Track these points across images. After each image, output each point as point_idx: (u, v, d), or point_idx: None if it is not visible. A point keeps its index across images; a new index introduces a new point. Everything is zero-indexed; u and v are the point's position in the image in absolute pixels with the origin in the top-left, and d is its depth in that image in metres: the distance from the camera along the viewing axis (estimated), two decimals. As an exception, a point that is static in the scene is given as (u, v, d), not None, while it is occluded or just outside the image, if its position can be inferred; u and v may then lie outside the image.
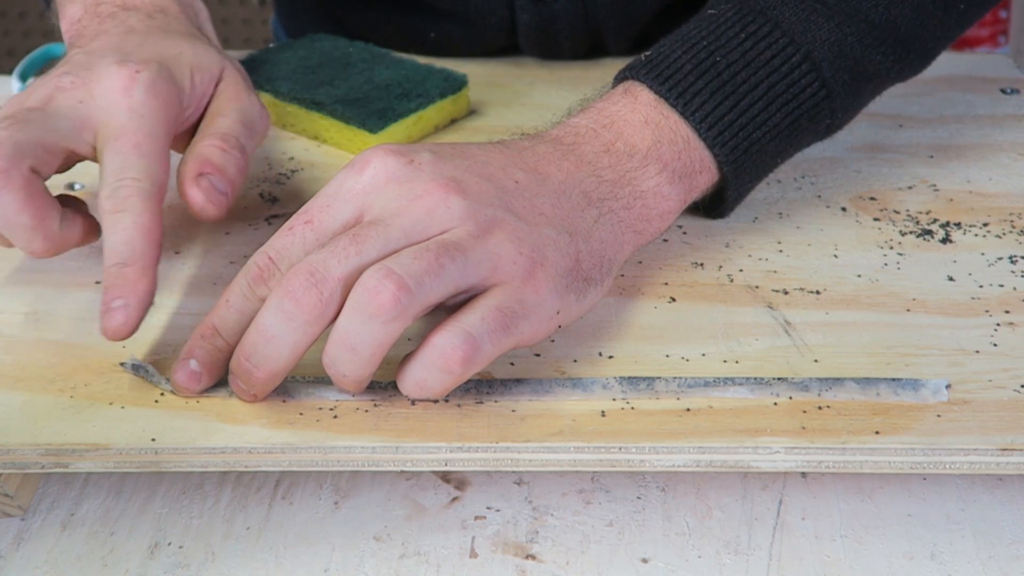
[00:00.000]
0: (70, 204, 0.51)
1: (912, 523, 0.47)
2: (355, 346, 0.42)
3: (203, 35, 0.60)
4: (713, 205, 0.57)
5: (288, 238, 0.45)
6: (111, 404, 0.46)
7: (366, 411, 0.46)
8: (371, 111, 0.64)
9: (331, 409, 0.46)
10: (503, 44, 0.77)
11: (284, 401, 0.46)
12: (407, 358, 0.44)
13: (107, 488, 0.49)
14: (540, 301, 0.45)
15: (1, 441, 0.44)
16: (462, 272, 0.43)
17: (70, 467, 0.44)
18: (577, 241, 0.47)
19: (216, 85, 0.56)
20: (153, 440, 0.44)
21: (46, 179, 0.49)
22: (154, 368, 0.47)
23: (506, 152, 0.49)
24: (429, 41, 0.77)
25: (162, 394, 0.46)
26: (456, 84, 0.68)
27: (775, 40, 0.54)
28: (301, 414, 0.45)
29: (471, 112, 0.70)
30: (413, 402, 0.46)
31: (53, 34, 0.63)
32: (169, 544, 0.46)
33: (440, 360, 0.43)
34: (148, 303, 0.47)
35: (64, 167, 0.52)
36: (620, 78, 0.55)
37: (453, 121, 0.69)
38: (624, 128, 0.52)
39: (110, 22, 0.57)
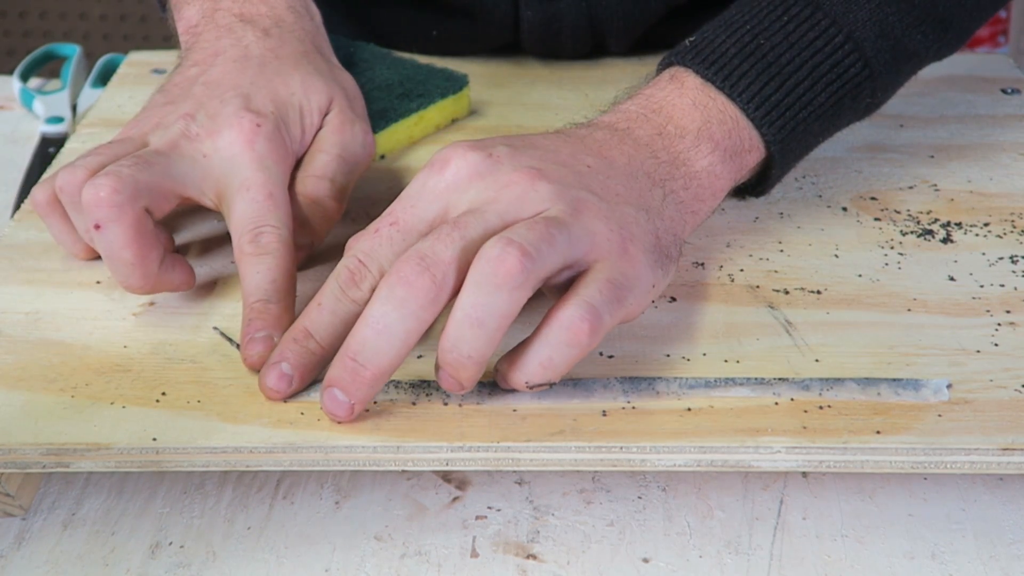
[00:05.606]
0: (172, 251, 0.53)
1: (913, 523, 0.47)
2: (482, 319, 0.42)
3: (315, 49, 0.60)
4: (754, 184, 0.58)
5: (375, 240, 0.46)
6: (112, 404, 0.46)
7: (367, 410, 0.45)
8: (372, 111, 0.64)
9: (332, 409, 0.46)
10: (505, 42, 0.77)
11: (285, 401, 0.46)
12: (521, 347, 0.44)
13: (108, 488, 0.49)
14: (638, 274, 0.46)
15: (2, 441, 0.44)
16: (568, 244, 0.44)
17: (71, 467, 0.44)
18: (653, 219, 0.48)
19: (324, 116, 0.57)
20: (154, 440, 0.44)
21: (157, 220, 0.51)
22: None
23: (569, 140, 0.50)
24: (431, 39, 0.77)
25: (164, 393, 0.46)
26: (457, 84, 0.68)
27: (817, 21, 0.55)
28: (302, 414, 0.45)
29: (472, 112, 0.70)
30: (414, 402, 0.46)
31: (54, 34, 0.64)
32: (170, 544, 0.46)
33: (567, 334, 0.43)
34: None
35: (176, 210, 0.53)
36: (664, 64, 0.56)
37: (454, 121, 0.69)
38: (673, 112, 0.53)
39: (227, 39, 0.58)
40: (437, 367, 0.44)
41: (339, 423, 0.45)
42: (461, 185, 0.46)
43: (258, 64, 0.56)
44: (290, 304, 0.49)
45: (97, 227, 0.48)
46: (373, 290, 0.45)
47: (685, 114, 0.53)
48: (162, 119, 0.53)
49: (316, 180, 0.54)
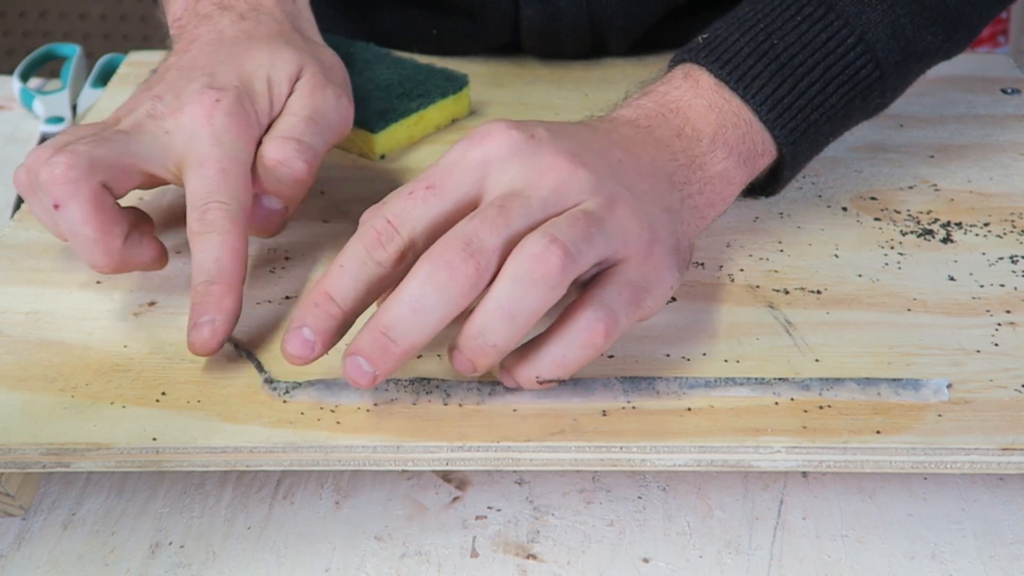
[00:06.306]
0: (141, 228, 0.52)
1: (913, 523, 0.47)
2: (515, 314, 0.42)
3: (293, 29, 0.60)
4: (765, 184, 0.58)
5: (409, 202, 0.45)
6: (112, 403, 0.46)
7: (367, 410, 0.46)
8: (372, 111, 0.64)
9: (332, 409, 0.46)
10: (505, 41, 0.77)
11: (285, 401, 0.46)
12: (533, 343, 0.44)
13: (108, 487, 0.49)
14: (660, 277, 0.46)
15: (2, 440, 0.44)
16: (604, 242, 0.44)
17: (71, 466, 0.44)
18: (674, 221, 0.49)
19: (294, 83, 0.56)
20: (154, 439, 0.44)
21: (118, 197, 0.50)
22: (256, 357, 0.49)
23: (597, 132, 0.50)
24: (431, 38, 0.77)
25: (164, 393, 0.47)
26: (457, 84, 0.68)
27: (830, 23, 0.55)
28: (302, 413, 0.45)
29: (472, 112, 0.70)
30: (414, 402, 0.46)
31: (54, 34, 0.64)
32: (170, 544, 0.46)
33: (584, 335, 0.43)
34: (234, 319, 0.48)
35: (145, 186, 0.53)
36: (677, 61, 0.56)
37: (454, 121, 0.69)
38: (690, 113, 0.53)
39: (204, 26, 0.58)
40: (454, 347, 0.44)
41: (359, 387, 0.44)
42: (503, 159, 0.46)
43: (230, 44, 0.56)
44: (235, 282, 0.48)
45: (56, 206, 0.48)
46: (400, 253, 0.44)
47: (701, 116, 0.53)
48: (135, 104, 0.53)
49: (280, 141, 0.53)
